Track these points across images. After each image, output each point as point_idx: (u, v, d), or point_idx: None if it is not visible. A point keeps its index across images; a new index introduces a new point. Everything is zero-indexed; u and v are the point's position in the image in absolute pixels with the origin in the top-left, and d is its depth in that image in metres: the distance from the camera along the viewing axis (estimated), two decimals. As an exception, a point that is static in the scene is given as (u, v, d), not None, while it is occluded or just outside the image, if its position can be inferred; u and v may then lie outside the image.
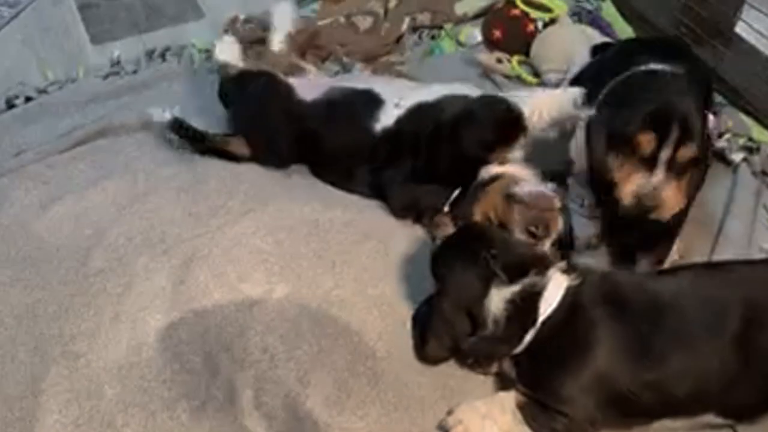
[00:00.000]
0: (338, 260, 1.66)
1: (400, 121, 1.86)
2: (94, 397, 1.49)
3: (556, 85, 2.20)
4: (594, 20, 2.44)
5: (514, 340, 1.45)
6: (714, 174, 1.94)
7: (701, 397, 1.41)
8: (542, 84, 2.25)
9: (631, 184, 1.62)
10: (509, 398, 1.46)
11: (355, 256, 1.68)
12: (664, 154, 1.60)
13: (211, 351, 1.52)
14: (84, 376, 1.51)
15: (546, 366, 1.44)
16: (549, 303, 1.44)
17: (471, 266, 1.47)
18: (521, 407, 1.44)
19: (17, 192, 1.85)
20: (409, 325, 1.58)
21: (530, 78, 2.28)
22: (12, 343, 1.56)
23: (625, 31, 2.44)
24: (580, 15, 2.46)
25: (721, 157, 2.04)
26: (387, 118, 1.87)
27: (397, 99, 1.88)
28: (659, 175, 1.61)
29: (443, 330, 1.49)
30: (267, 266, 1.64)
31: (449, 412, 1.46)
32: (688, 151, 1.60)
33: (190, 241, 1.68)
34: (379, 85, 1.94)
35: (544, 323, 1.44)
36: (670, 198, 1.61)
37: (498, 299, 1.44)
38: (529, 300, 1.44)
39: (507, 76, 2.29)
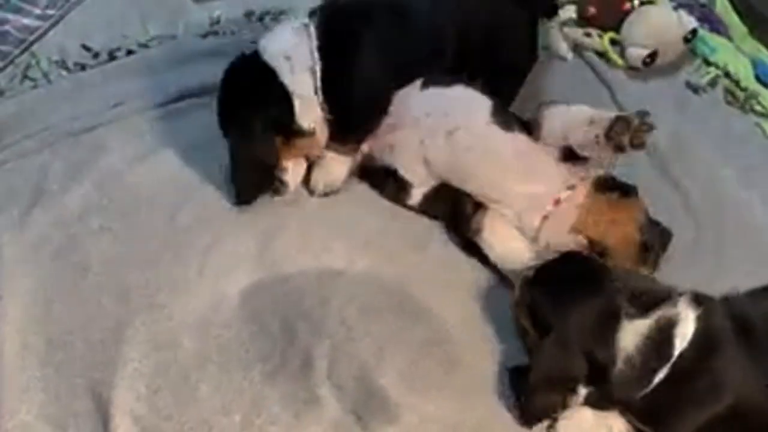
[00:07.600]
0: (421, 243, 1.67)
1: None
2: (173, 349, 1.51)
3: (640, 61, 2.13)
4: (705, 15, 2.32)
5: (645, 381, 1.31)
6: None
7: None
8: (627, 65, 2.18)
9: None
10: (617, 422, 1.37)
11: (439, 243, 1.69)
12: None
13: (288, 317, 1.54)
14: (165, 327, 1.54)
15: (675, 403, 1.32)
16: (684, 336, 1.31)
17: (593, 298, 1.32)
18: None
19: (114, 143, 1.87)
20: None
21: (616, 58, 2.20)
22: (99, 289, 1.59)
23: (736, 26, 2.32)
24: (691, 8, 2.33)
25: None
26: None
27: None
28: None
29: (554, 378, 1.33)
30: (350, 240, 1.65)
31: (550, 426, 1.40)
32: None
33: (275, 210, 1.71)
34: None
35: (678, 358, 1.30)
36: None
37: (633, 335, 1.31)
38: (665, 333, 1.31)
39: (598, 52, 2.23)
